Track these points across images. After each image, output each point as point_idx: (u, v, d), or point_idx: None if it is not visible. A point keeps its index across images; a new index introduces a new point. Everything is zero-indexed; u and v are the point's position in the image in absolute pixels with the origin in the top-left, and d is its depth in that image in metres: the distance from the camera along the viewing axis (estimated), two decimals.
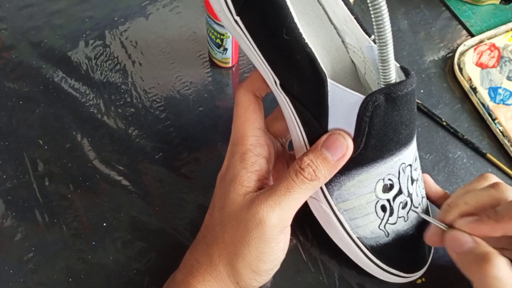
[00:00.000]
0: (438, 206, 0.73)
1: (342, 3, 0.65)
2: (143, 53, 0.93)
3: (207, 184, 0.77)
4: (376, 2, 0.51)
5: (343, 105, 0.59)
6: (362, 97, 0.57)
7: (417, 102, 0.88)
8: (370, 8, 0.52)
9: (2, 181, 0.81)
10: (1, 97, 0.88)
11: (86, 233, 0.77)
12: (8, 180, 0.81)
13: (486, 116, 0.88)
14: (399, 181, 0.65)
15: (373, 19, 0.52)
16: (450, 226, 0.65)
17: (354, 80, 0.69)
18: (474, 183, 0.69)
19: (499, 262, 0.58)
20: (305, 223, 0.77)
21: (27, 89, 0.89)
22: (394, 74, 0.57)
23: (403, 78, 0.59)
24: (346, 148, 0.61)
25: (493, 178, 0.69)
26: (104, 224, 0.78)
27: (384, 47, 0.54)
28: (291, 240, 0.77)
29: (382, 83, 0.58)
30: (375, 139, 0.60)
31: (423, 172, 0.74)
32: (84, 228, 0.78)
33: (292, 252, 0.76)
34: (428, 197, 0.74)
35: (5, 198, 0.80)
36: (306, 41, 0.59)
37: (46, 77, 0.90)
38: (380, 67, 0.56)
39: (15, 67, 0.91)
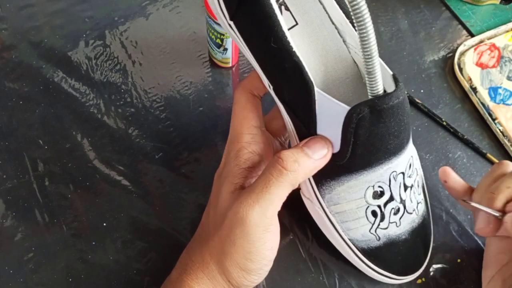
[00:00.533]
0: (460, 199, 0.73)
1: (337, 6, 0.65)
2: (143, 53, 0.93)
3: (207, 184, 0.76)
4: (359, 15, 0.50)
5: (330, 114, 0.60)
6: (347, 108, 0.57)
7: (417, 102, 0.88)
8: (354, 21, 0.51)
9: (2, 181, 0.81)
10: (1, 97, 0.88)
11: (86, 233, 0.78)
12: (8, 180, 0.81)
13: (486, 116, 0.88)
14: (390, 189, 0.65)
15: (357, 32, 0.52)
16: (503, 213, 0.67)
17: (357, 80, 0.69)
18: (497, 169, 0.70)
19: None
20: (305, 223, 0.77)
21: (27, 89, 0.89)
22: (381, 86, 0.56)
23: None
24: (326, 150, 0.62)
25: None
26: (104, 224, 0.78)
27: (370, 60, 0.54)
28: (291, 239, 0.77)
29: (369, 94, 0.57)
30: (361, 148, 0.60)
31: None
32: (84, 228, 0.78)
33: (292, 252, 0.76)
34: (451, 190, 0.74)
35: (5, 198, 0.80)
36: (294, 49, 0.59)
37: (46, 77, 0.90)
38: (366, 79, 0.56)
39: (15, 67, 0.91)
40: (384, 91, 0.58)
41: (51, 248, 0.76)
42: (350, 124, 0.57)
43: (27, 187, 0.81)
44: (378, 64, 0.54)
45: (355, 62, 0.68)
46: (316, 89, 0.59)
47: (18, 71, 0.91)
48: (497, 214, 0.66)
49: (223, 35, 0.83)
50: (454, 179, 0.73)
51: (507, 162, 0.71)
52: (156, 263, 0.76)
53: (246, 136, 0.66)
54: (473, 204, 0.70)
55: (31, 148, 0.84)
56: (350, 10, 0.50)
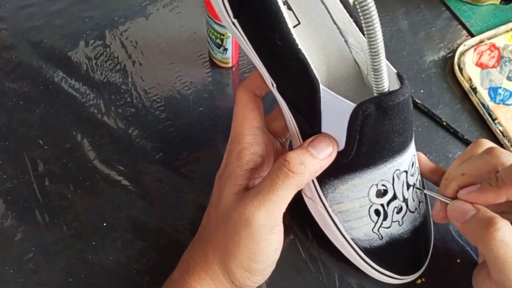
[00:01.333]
0: (433, 181, 0.73)
1: (340, 5, 0.65)
2: (143, 53, 0.93)
3: (207, 184, 0.76)
4: (367, 12, 0.51)
5: (335, 112, 0.60)
6: (353, 105, 0.57)
7: (417, 102, 0.88)
8: (361, 18, 0.51)
9: (2, 181, 0.81)
10: (1, 97, 0.88)
11: (86, 233, 0.78)
12: (8, 180, 0.81)
13: (486, 116, 0.88)
14: (393, 187, 0.65)
15: (365, 29, 0.52)
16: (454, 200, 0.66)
17: (358, 80, 0.69)
18: (469, 151, 0.69)
19: (503, 225, 0.58)
20: (305, 223, 0.77)
21: (27, 89, 0.89)
22: (386, 83, 0.57)
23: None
24: (332, 149, 0.62)
25: (486, 143, 0.69)
26: (104, 224, 0.78)
27: (376, 57, 0.54)
28: (291, 239, 0.77)
29: (374, 91, 0.58)
30: (366, 146, 0.60)
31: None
32: (84, 228, 0.78)
33: (292, 252, 0.76)
34: (423, 174, 0.74)
35: (5, 198, 0.80)
36: (299, 47, 0.59)
37: (46, 77, 0.90)
38: (372, 76, 0.56)
39: (15, 67, 0.91)
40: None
41: (51, 248, 0.76)
42: (356, 122, 0.57)
43: (27, 187, 0.81)
44: (385, 61, 0.55)
45: (356, 62, 0.68)
46: (321, 86, 0.59)
47: (18, 71, 0.91)
48: (448, 201, 0.66)
49: (223, 35, 0.82)
50: (421, 164, 0.74)
51: (483, 141, 0.70)
52: (156, 263, 0.76)
53: (247, 137, 0.66)
54: (425, 191, 0.70)
55: (31, 148, 0.84)
56: (358, 7, 0.51)
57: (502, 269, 0.59)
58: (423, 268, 0.72)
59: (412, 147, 0.66)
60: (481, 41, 0.95)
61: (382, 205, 0.66)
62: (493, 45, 0.94)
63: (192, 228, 0.77)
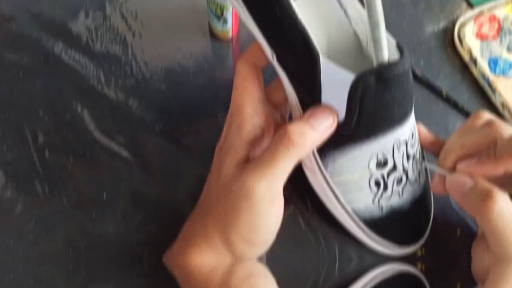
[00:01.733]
0: (434, 152, 0.73)
1: None
2: (143, 24, 0.93)
3: (207, 155, 0.76)
4: None
5: (335, 83, 0.59)
6: (354, 76, 0.57)
7: (417, 73, 0.88)
8: None
9: (2, 152, 0.81)
10: (1, 68, 0.88)
11: (86, 204, 0.78)
12: (9, 152, 0.81)
13: (486, 87, 0.88)
14: (393, 158, 0.65)
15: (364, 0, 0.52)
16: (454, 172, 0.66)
17: (358, 51, 0.69)
18: (468, 123, 0.69)
19: (501, 197, 0.59)
20: (305, 194, 0.77)
21: (27, 60, 0.89)
22: (386, 55, 0.57)
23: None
24: (332, 120, 0.61)
25: (486, 115, 0.69)
26: (104, 196, 0.78)
27: (376, 28, 0.54)
28: (291, 211, 0.77)
29: (374, 63, 0.58)
30: (366, 117, 0.60)
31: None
32: (84, 199, 0.78)
33: (292, 224, 0.76)
34: (423, 146, 0.74)
35: (5, 169, 0.80)
36: (299, 19, 0.59)
37: (46, 48, 0.90)
38: (372, 47, 0.56)
39: (15, 39, 0.91)
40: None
41: (51, 220, 0.77)
42: (356, 92, 0.57)
43: (27, 158, 0.81)
44: (384, 31, 0.55)
45: (356, 33, 0.68)
46: (321, 57, 0.59)
47: (18, 42, 0.90)
48: (447, 173, 0.66)
49: (223, 6, 0.82)
50: (421, 136, 0.74)
51: (482, 113, 0.70)
52: (156, 234, 0.76)
53: (247, 109, 0.66)
54: (425, 164, 0.71)
55: (31, 120, 0.84)
56: None
57: (500, 242, 0.59)
58: (423, 240, 0.73)
59: (412, 118, 0.66)
60: (481, 12, 0.94)
61: (382, 176, 0.66)
62: (493, 16, 0.94)
63: (192, 199, 0.77)
